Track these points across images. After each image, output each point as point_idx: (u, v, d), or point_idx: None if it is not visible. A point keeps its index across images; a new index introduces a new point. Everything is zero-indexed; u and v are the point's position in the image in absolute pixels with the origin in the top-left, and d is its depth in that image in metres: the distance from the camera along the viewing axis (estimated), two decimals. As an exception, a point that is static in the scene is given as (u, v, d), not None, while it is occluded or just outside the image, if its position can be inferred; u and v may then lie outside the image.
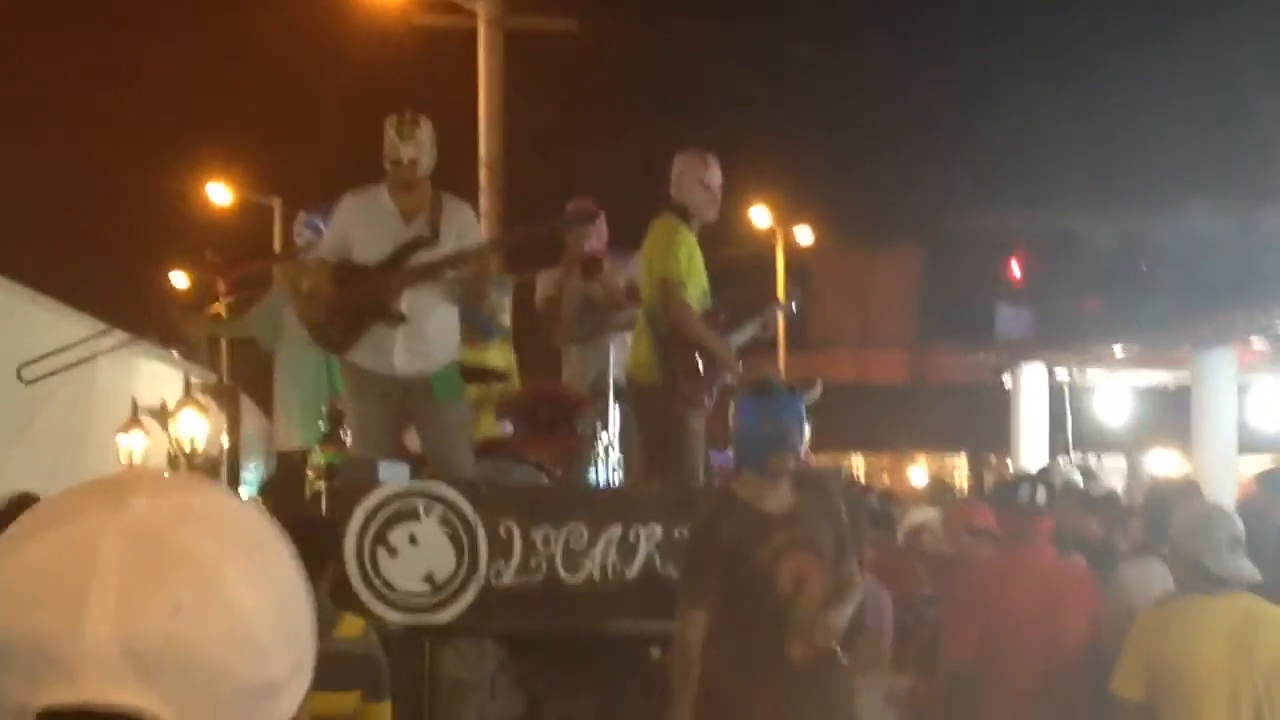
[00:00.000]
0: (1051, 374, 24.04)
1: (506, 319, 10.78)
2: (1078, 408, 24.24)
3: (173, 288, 34.43)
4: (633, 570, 8.59)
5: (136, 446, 16.37)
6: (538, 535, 8.60)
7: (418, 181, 9.17)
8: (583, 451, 9.88)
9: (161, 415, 16.53)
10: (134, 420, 16.55)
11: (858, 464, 37.00)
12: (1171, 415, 23.91)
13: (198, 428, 13.81)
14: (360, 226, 9.21)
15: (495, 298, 10.15)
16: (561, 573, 8.57)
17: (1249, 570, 7.20)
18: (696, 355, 9.40)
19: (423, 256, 9.10)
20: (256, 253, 11.05)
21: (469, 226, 9.29)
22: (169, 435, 13.84)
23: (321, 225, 10.71)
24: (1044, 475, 10.28)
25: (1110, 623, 8.30)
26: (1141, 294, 24.80)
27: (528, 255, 10.13)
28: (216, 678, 1.57)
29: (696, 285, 9.56)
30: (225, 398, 12.83)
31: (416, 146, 9.10)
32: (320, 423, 9.95)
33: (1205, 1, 26.39)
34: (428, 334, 9.12)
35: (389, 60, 25.27)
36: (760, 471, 7.29)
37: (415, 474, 8.95)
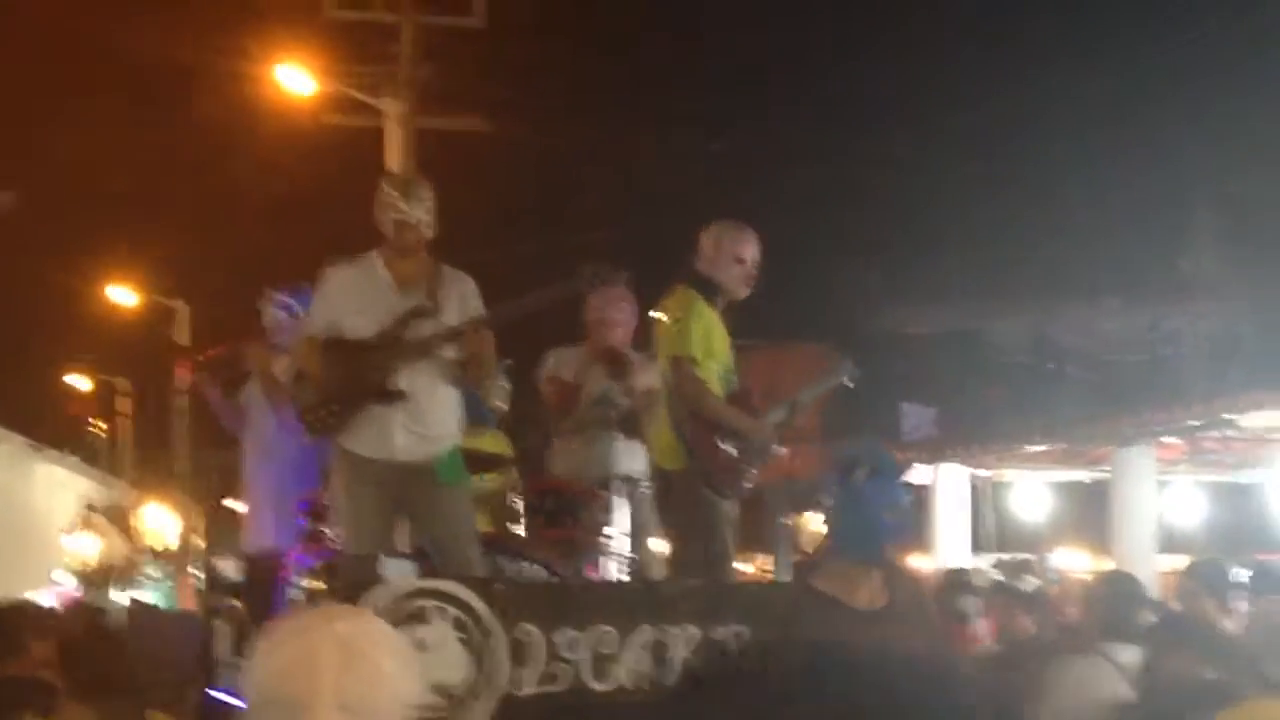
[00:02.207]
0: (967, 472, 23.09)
1: (504, 404, 9.43)
2: (997, 505, 23.39)
3: (71, 389, 32.92)
4: (667, 677, 7.31)
5: (89, 549, 15.04)
6: (561, 639, 7.32)
7: (417, 248, 7.95)
8: (590, 547, 8.60)
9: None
10: (86, 522, 15.18)
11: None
12: (1090, 512, 23.11)
13: (166, 526, 12.44)
14: (352, 298, 8.00)
15: (493, 380, 8.85)
16: (589, 681, 7.28)
17: None
18: (718, 439, 8.18)
19: (422, 329, 7.88)
20: (209, 342, 9.65)
21: (471, 297, 8.06)
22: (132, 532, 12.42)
23: (293, 303, 9.45)
24: (967, 581, 9.51)
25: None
26: (1049, 391, 24.11)
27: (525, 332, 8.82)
28: (387, 713, 3.14)
29: (719, 363, 8.39)
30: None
31: (423, 207, 7.95)
32: (300, 522, 8.63)
33: (1110, 106, 25.62)
34: (429, 415, 7.90)
35: (298, 159, 24.11)
36: (865, 563, 6.07)
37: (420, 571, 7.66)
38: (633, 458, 9.00)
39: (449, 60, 23.49)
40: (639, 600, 7.63)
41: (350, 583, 7.43)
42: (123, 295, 30.39)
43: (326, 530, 8.33)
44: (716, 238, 8.48)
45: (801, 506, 14.25)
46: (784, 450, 8.56)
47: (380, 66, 23.57)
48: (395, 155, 23.08)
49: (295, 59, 23.30)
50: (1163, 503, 21.01)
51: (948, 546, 22.38)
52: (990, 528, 23.38)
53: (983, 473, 23.11)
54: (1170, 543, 21.18)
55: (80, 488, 29.81)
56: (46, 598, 27.21)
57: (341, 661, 3.05)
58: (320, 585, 7.53)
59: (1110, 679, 7.14)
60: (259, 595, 8.90)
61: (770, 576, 18.58)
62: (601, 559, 8.57)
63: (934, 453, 22.81)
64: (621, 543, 8.56)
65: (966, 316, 25.42)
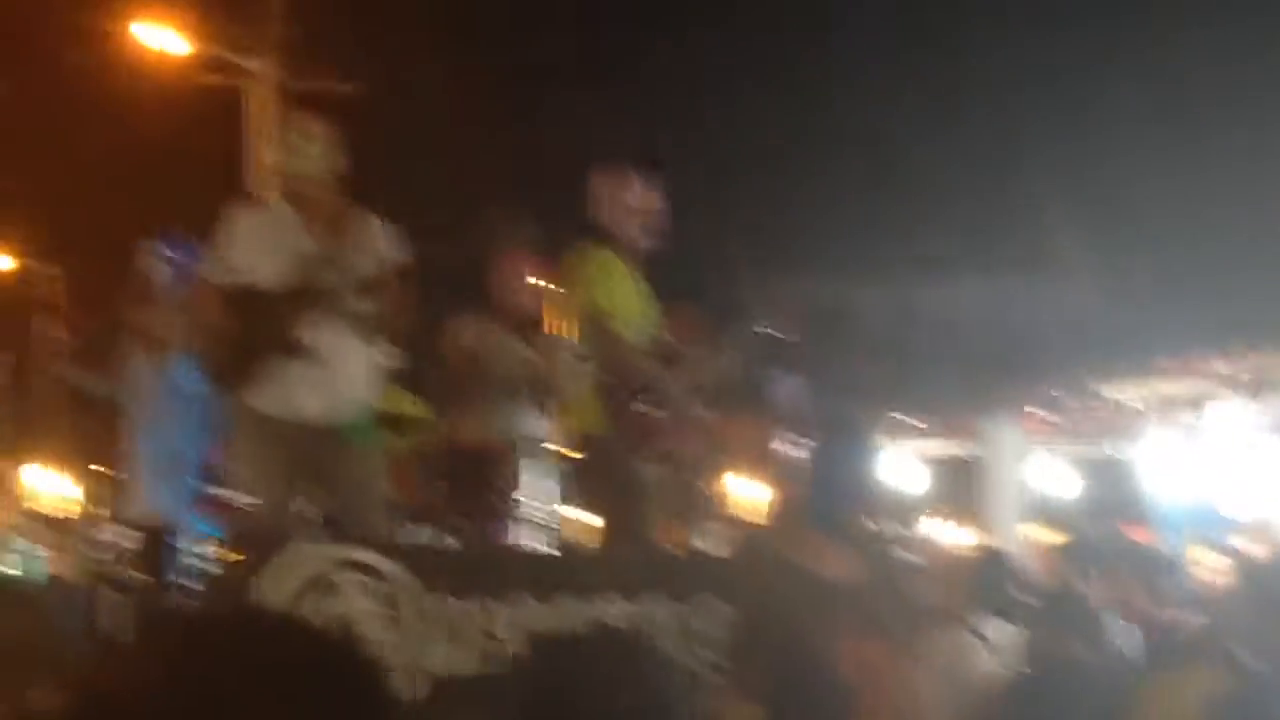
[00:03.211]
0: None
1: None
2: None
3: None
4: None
5: None
6: (485, 611, 6.67)
7: (317, 194, 7.23)
8: (502, 512, 7.94)
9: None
10: None
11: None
12: (960, 485, 22.92)
13: (50, 488, 11.59)
14: (256, 242, 7.24)
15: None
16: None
17: None
18: (640, 398, 7.55)
19: (331, 278, 7.16)
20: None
21: (383, 244, 7.31)
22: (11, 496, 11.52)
23: (174, 254, 8.70)
24: None
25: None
26: (916, 364, 23.88)
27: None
28: None
29: (632, 313, 7.73)
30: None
31: (305, 156, 7.21)
32: (197, 485, 7.90)
33: (982, 77, 25.36)
34: (339, 372, 7.18)
35: (163, 119, 23.15)
36: (826, 533, 5.50)
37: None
38: (537, 421, 8.32)
39: (319, 21, 22.70)
40: (564, 569, 7.00)
41: (258, 548, 6.75)
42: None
43: (224, 493, 7.62)
44: (607, 188, 7.82)
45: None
46: (707, 412, 7.89)
47: (248, 27, 22.76)
48: (259, 116, 22.33)
49: (164, 18, 22.43)
50: (1030, 475, 20.82)
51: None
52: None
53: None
54: (1039, 514, 21.02)
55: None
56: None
57: None
58: (228, 553, 6.82)
59: (980, 655, 6.77)
60: (150, 563, 8.19)
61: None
62: (512, 525, 7.90)
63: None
64: (531, 508, 7.90)
65: (832, 288, 25.07)
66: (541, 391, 8.42)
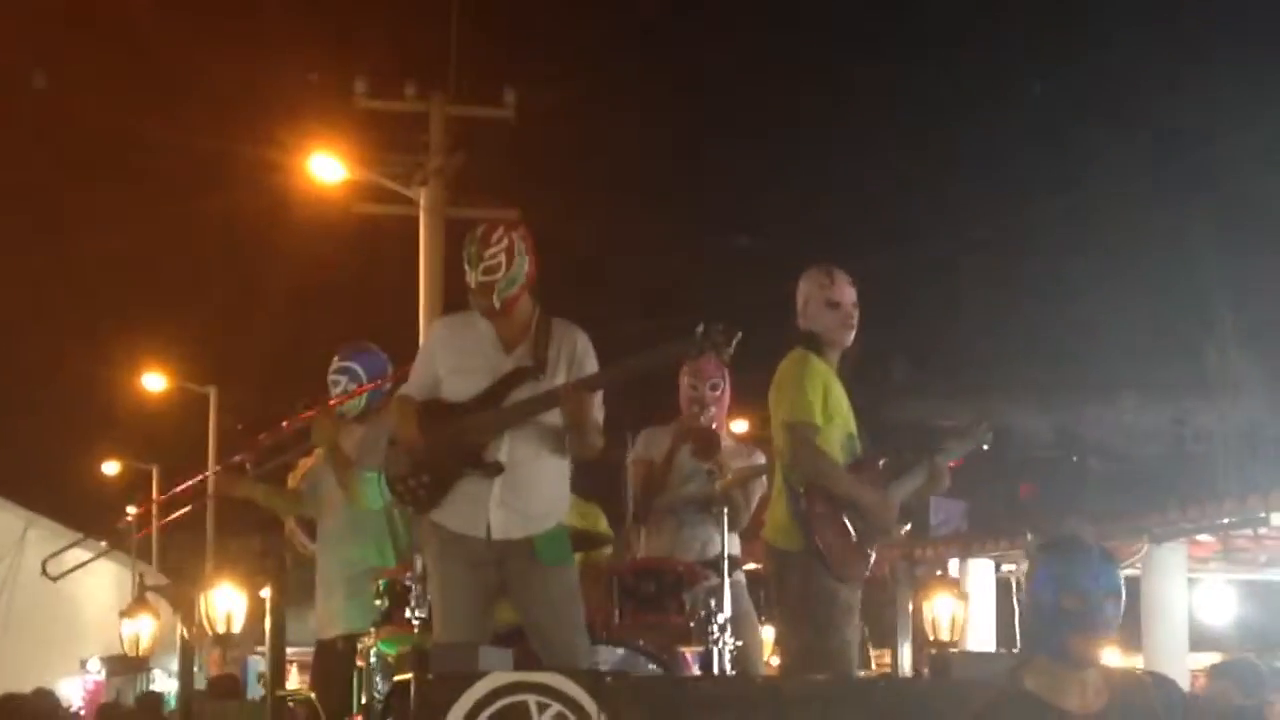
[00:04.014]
0: (997, 567, 22.11)
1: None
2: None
3: (105, 476, 31.90)
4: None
5: (144, 630, 13.94)
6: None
7: (510, 307, 6.93)
8: (695, 635, 7.54)
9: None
10: (141, 603, 14.06)
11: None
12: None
13: (234, 605, 11.32)
14: (453, 356, 6.98)
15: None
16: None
17: None
18: (844, 515, 7.18)
19: (526, 393, 6.87)
20: (267, 421, 8.55)
21: (583, 355, 6.99)
22: (201, 614, 11.22)
23: (355, 367, 8.46)
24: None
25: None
26: (1075, 485, 23.30)
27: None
28: None
29: (839, 428, 7.37)
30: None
31: (486, 265, 6.86)
32: (376, 601, 7.58)
33: (1133, 209, 24.90)
34: (530, 489, 6.86)
35: (330, 248, 23.26)
36: (1060, 660, 5.05)
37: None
38: (728, 540, 7.94)
39: (480, 150, 22.71)
40: (762, 696, 6.60)
41: (445, 674, 6.44)
42: (155, 382, 29.50)
43: (408, 613, 7.30)
44: (805, 289, 7.46)
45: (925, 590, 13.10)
46: (907, 528, 7.49)
47: (411, 156, 22.75)
48: (427, 244, 22.26)
49: (327, 148, 22.48)
50: (1193, 600, 20.16)
51: (977, 641, 21.44)
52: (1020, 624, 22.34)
53: (1009, 567, 22.18)
54: (1200, 641, 20.35)
55: (112, 574, 28.79)
56: (75, 686, 26.16)
57: None
58: (407, 676, 6.48)
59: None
60: (333, 684, 7.88)
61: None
62: (706, 650, 7.48)
63: (963, 548, 21.85)
64: (726, 632, 7.48)
65: (990, 409, 24.51)
66: (734, 508, 8.04)
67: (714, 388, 8.43)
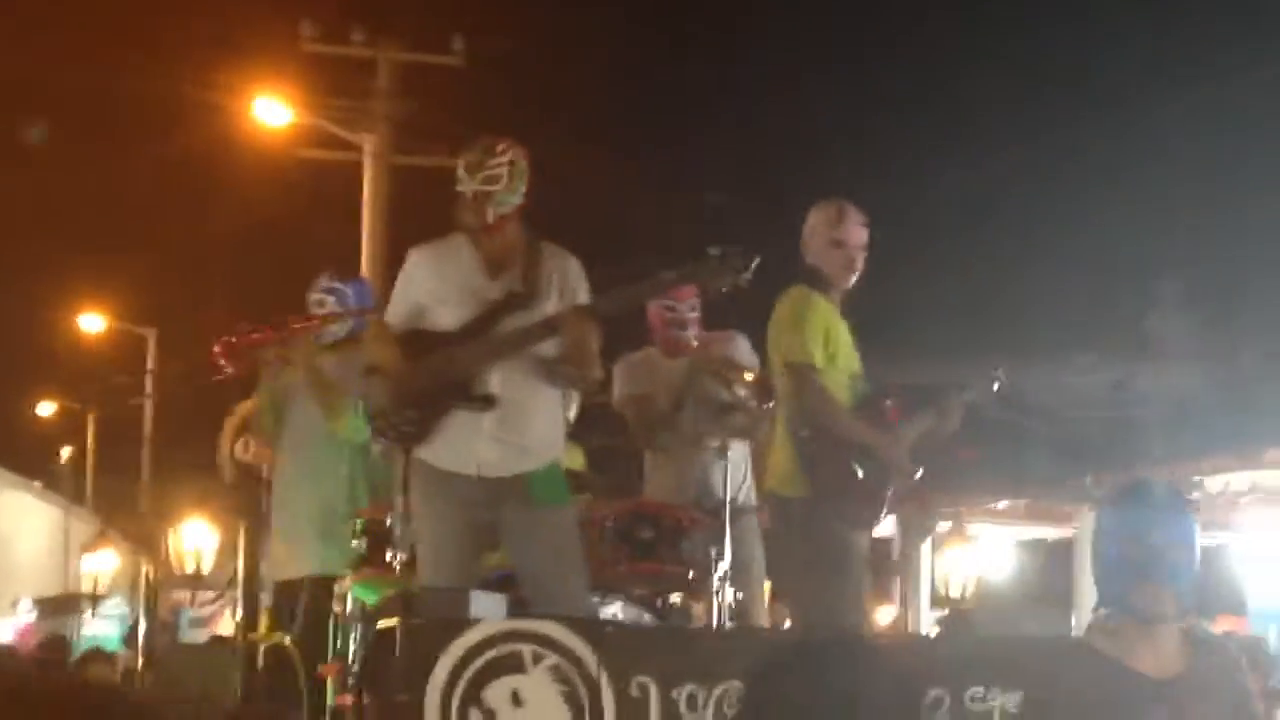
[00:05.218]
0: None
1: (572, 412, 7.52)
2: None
3: (37, 417, 31.05)
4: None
5: (105, 567, 13.20)
6: (681, 695, 5.68)
7: (500, 226, 6.25)
8: (697, 585, 6.87)
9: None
10: (102, 537, 13.30)
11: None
12: (1055, 570, 21.86)
13: (205, 543, 10.57)
14: (435, 283, 6.28)
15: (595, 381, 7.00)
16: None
17: None
18: (851, 457, 6.55)
19: (517, 320, 6.19)
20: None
21: (575, 280, 6.32)
22: (170, 551, 10.46)
23: (343, 288, 7.77)
24: None
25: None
26: (1018, 448, 22.89)
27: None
28: None
29: (843, 369, 6.73)
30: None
31: (486, 175, 6.17)
32: (354, 543, 6.88)
33: (1085, 168, 24.47)
34: (525, 423, 6.17)
35: (274, 191, 22.54)
36: (1128, 615, 4.43)
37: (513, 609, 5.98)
38: (736, 482, 7.28)
39: (429, 98, 22.03)
40: (774, 650, 5.96)
41: (434, 621, 5.79)
42: (92, 322, 28.68)
43: (388, 556, 6.61)
44: (812, 222, 6.84)
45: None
46: (921, 471, 6.87)
47: (358, 102, 22.04)
48: (370, 191, 21.60)
49: (272, 91, 21.73)
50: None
51: (913, 601, 21.07)
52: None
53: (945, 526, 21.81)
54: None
55: (45, 515, 27.96)
56: (4, 627, 25.34)
57: None
58: (391, 622, 5.83)
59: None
60: (307, 627, 7.18)
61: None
62: (708, 601, 6.82)
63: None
64: (728, 581, 6.82)
65: (937, 370, 23.99)
66: (737, 446, 7.37)
67: (693, 309, 7.73)
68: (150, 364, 26.52)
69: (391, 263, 19.70)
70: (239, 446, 8.09)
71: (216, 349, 7.48)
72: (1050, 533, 21.85)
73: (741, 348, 7.69)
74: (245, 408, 8.11)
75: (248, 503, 8.04)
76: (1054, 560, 21.99)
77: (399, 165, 21.96)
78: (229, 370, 7.48)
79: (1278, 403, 19.73)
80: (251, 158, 22.59)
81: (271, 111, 21.82)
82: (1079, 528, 18.94)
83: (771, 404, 6.98)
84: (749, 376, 7.30)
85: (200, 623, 17.18)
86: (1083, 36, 26.47)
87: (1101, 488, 5.19)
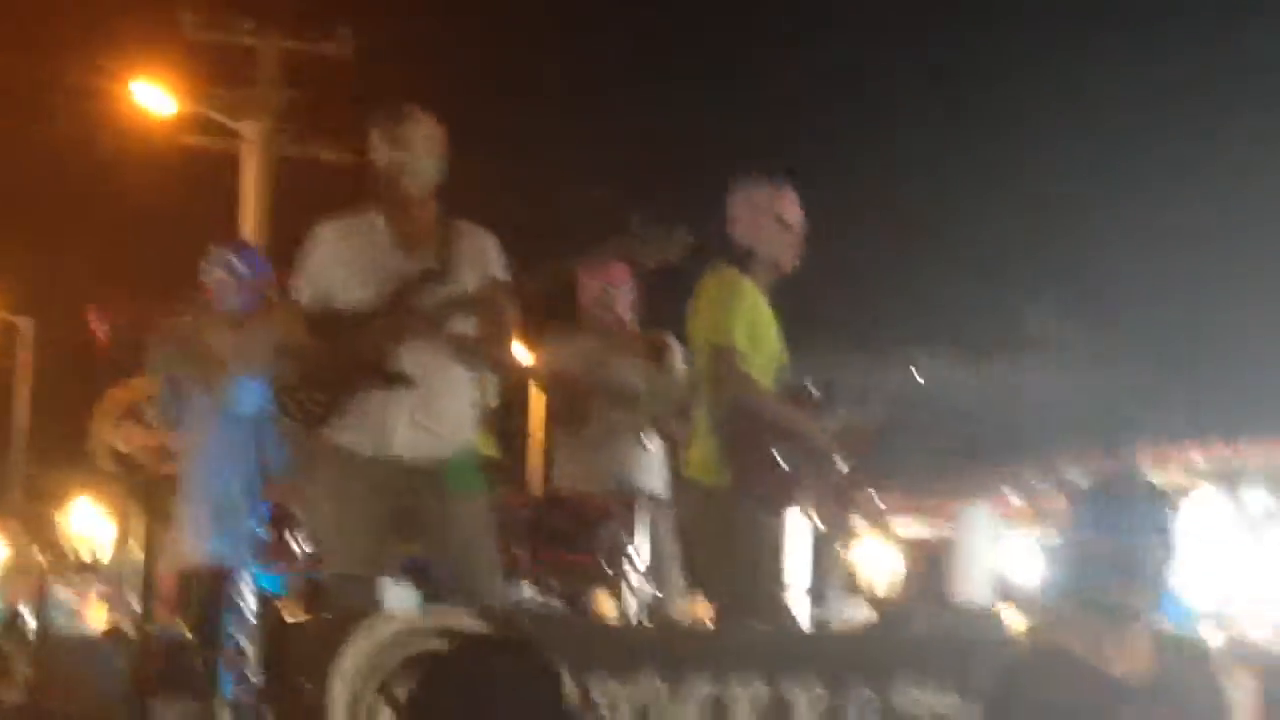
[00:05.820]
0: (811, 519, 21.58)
1: (494, 397, 7.23)
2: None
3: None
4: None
5: None
6: (600, 692, 5.42)
7: (417, 201, 5.95)
8: (610, 577, 6.60)
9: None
10: None
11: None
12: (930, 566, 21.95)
13: (98, 531, 10.05)
14: (345, 259, 5.93)
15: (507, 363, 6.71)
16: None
17: None
18: (773, 445, 6.30)
19: (431, 297, 5.89)
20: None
21: (492, 260, 6.00)
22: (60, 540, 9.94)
23: (240, 265, 7.41)
24: None
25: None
26: (897, 441, 22.89)
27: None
28: None
29: (766, 354, 6.46)
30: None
31: (413, 150, 5.88)
32: (256, 529, 6.55)
33: (965, 154, 24.65)
34: (440, 404, 5.85)
35: (154, 177, 22.04)
36: (1097, 612, 4.20)
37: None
38: (653, 469, 7.03)
39: (315, 89, 21.68)
40: (694, 645, 5.72)
41: (341, 612, 5.48)
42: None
43: (294, 542, 6.29)
44: (748, 199, 6.49)
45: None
46: (848, 461, 6.62)
47: (241, 90, 21.64)
48: (251, 181, 21.17)
49: (154, 77, 21.24)
50: (1001, 558, 19.91)
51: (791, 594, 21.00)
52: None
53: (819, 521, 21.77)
54: (1007, 598, 20.18)
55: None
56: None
57: None
58: (295, 613, 5.51)
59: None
60: (201, 618, 6.82)
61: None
62: (621, 593, 6.56)
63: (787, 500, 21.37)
64: (643, 572, 6.56)
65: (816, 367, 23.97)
66: (656, 432, 7.13)
67: (628, 294, 7.47)
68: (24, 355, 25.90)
69: (274, 254, 19.33)
70: (119, 435, 7.74)
71: (91, 316, 7.13)
72: (924, 530, 21.94)
73: (674, 349, 7.44)
74: (121, 395, 7.76)
75: (136, 490, 7.66)
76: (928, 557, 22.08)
77: (285, 157, 21.61)
78: (103, 336, 7.12)
79: (1149, 404, 19.96)
80: (132, 144, 22.10)
81: (152, 97, 21.37)
82: (956, 525, 19.04)
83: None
84: (677, 364, 7.08)
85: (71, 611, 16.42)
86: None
87: (1082, 477, 4.97)
